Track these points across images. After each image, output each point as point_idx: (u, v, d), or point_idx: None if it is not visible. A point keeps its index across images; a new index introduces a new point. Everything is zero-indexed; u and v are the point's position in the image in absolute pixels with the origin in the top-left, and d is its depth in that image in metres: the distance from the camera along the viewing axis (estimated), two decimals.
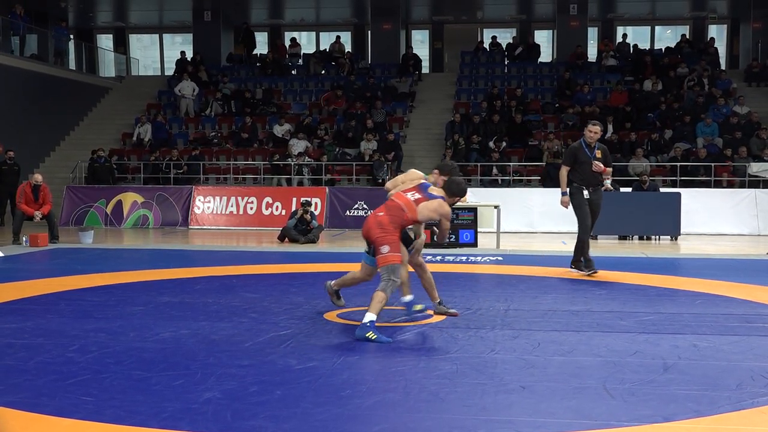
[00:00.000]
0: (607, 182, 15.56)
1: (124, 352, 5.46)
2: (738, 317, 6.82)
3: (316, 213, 16.83)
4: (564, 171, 9.47)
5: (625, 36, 26.19)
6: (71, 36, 25.97)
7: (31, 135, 21.54)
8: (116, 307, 7.24)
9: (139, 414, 4.07)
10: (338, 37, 26.74)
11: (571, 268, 9.74)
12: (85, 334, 6.02)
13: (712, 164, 18.08)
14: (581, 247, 9.52)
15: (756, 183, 17.80)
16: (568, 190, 9.43)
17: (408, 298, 6.74)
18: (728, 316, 6.89)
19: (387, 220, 6.16)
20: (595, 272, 9.39)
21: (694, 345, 5.69)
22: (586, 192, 9.38)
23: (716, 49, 25.03)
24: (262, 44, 29.96)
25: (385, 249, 6.05)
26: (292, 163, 19.57)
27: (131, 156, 21.20)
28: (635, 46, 25.82)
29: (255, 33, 27.59)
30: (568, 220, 16.61)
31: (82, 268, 10.30)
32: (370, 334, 5.76)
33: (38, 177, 14.10)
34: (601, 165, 9.33)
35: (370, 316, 5.86)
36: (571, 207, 9.50)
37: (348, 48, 27.70)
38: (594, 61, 25.18)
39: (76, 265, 10.78)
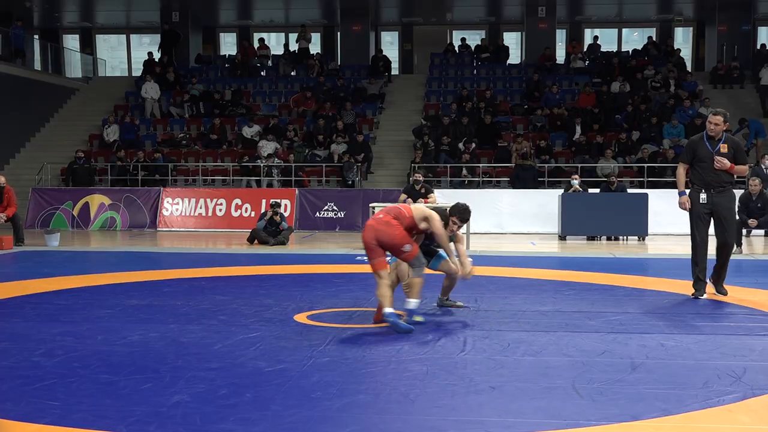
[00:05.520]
0: (575, 183, 15.81)
1: (91, 355, 5.40)
2: (704, 316, 6.90)
3: (286, 215, 16.78)
4: (680, 169, 8.14)
5: (596, 38, 26.42)
6: (35, 36, 25.63)
7: None
8: (83, 311, 7.15)
9: (106, 418, 4.03)
10: (303, 26, 26.57)
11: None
12: (51, 338, 5.94)
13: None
14: (692, 263, 8.09)
15: None
16: (687, 190, 8.02)
17: (413, 302, 6.38)
18: (695, 315, 6.97)
19: (388, 217, 6.31)
20: (697, 298, 7.90)
21: (661, 344, 5.74)
22: (704, 195, 7.87)
23: (680, 51, 25.39)
24: (230, 45, 29.81)
25: (407, 248, 6.27)
26: (262, 165, 19.49)
27: (99, 158, 20.99)
28: (601, 48, 26.07)
29: (222, 34, 27.39)
30: (537, 221, 16.80)
31: (48, 271, 10.17)
32: (419, 318, 6.37)
33: (1, 179, 13.90)
34: (726, 161, 7.75)
35: (415, 302, 6.33)
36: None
37: (317, 49, 27.64)
38: (562, 63, 25.37)
39: (42, 268, 10.64)
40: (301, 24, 26.99)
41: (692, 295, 7.95)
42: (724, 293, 7.95)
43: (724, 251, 7.98)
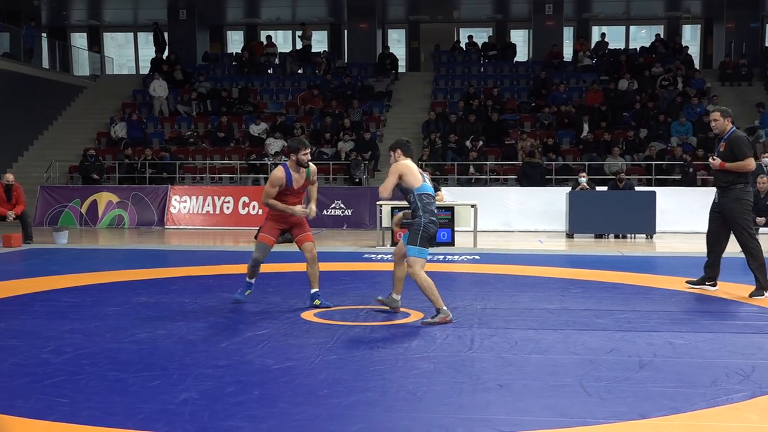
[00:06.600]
0: (583, 180, 15.78)
1: (99, 353, 5.41)
2: (712, 315, 6.89)
3: None
4: None
5: (603, 35, 26.35)
6: (43, 35, 25.68)
7: (4, 134, 21.31)
8: (91, 308, 7.18)
9: (115, 415, 4.04)
10: (303, 24, 26.52)
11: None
12: (60, 335, 5.96)
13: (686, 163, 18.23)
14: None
15: None
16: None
17: (314, 290, 7.25)
18: (703, 313, 6.96)
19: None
20: (691, 286, 8.10)
21: (669, 342, 5.74)
22: (716, 194, 7.81)
23: (688, 48, 25.33)
24: (237, 43, 29.85)
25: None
26: (269, 163, 19.51)
27: (106, 155, 21.03)
28: (609, 45, 26.01)
29: (229, 32, 27.34)
30: (544, 219, 16.77)
31: (57, 268, 10.20)
32: (240, 298, 7.38)
33: (10, 177, 13.94)
34: (716, 161, 7.61)
35: (247, 282, 7.39)
36: None
37: (324, 47, 27.63)
38: (570, 60, 25.32)
39: (50, 265, 10.67)
40: (301, 22, 26.98)
41: (688, 280, 8.28)
42: (753, 295, 7.66)
43: (743, 251, 7.83)
